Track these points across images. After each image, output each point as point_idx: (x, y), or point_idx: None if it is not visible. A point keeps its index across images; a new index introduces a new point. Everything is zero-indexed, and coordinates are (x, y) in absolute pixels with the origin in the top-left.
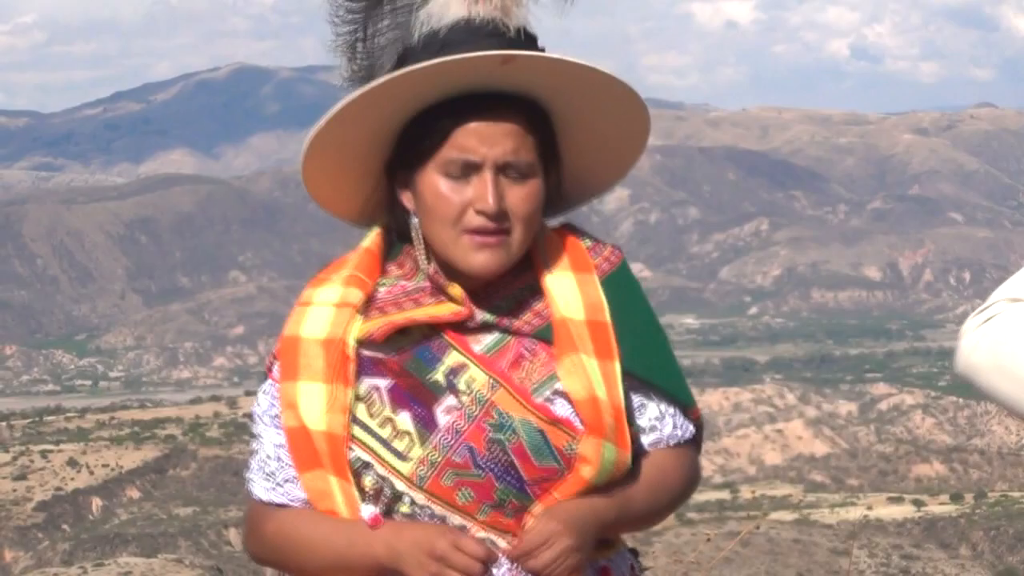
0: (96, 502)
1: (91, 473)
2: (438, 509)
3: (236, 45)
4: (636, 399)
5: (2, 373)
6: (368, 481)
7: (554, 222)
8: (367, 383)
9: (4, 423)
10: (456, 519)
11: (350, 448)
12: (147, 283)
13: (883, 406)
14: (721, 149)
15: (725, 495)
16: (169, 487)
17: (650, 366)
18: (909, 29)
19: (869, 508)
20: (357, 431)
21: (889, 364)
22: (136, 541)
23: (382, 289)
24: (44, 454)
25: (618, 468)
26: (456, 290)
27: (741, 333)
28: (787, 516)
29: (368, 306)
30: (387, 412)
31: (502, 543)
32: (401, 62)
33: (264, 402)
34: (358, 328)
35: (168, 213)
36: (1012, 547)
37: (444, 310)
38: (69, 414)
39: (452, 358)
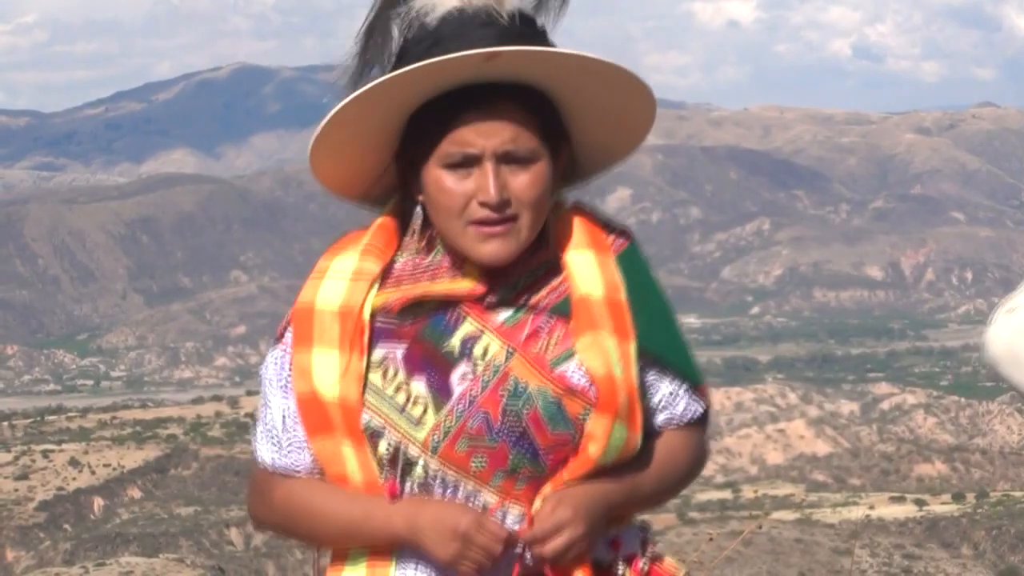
0: (98, 502)
1: (93, 473)
2: (451, 476)
3: (237, 45)
4: (649, 376)
5: (4, 373)
6: (382, 447)
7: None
8: (381, 350)
9: (6, 423)
10: (469, 486)
11: (364, 414)
12: (148, 283)
13: (885, 406)
14: (723, 148)
15: (727, 495)
16: (171, 487)
17: (663, 343)
18: (911, 28)
19: (871, 508)
20: (371, 397)
21: (891, 364)
22: (137, 541)
23: (399, 262)
24: (46, 454)
25: (627, 449)
26: (472, 270)
27: (743, 333)
28: (789, 516)
29: (385, 277)
30: (401, 378)
31: (514, 514)
32: (400, 57)
33: (273, 368)
34: (373, 298)
35: (169, 213)
36: (1014, 546)
37: (461, 286)
38: (71, 414)
39: (467, 327)
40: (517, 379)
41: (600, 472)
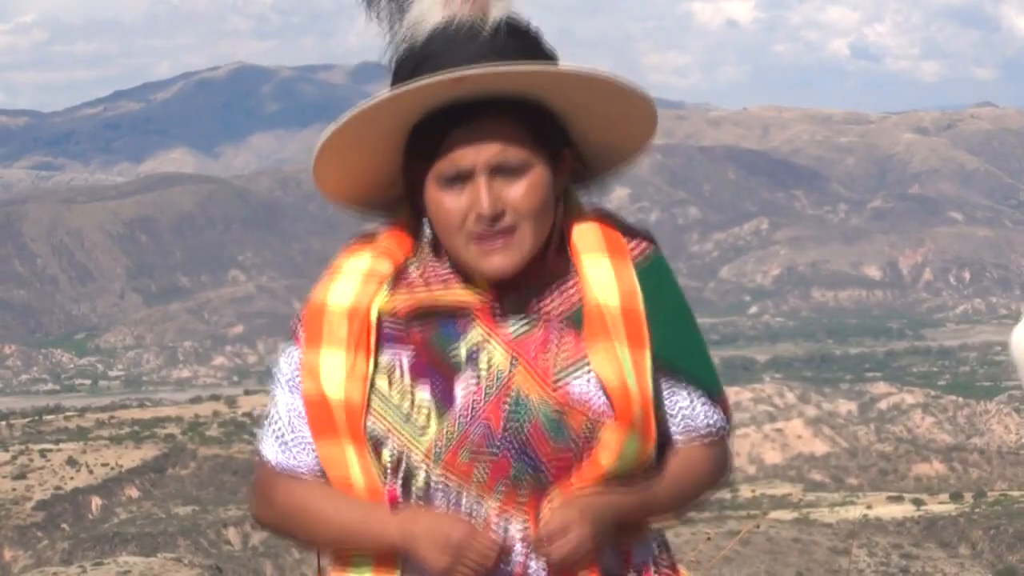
0: (95, 501)
1: (90, 472)
2: (454, 485)
3: (236, 44)
4: (666, 386)
5: (2, 372)
6: (386, 454)
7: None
8: (389, 354)
9: (4, 422)
10: (472, 495)
11: (368, 419)
12: (147, 282)
13: (883, 405)
14: (721, 148)
15: (725, 494)
16: (168, 486)
17: (680, 353)
18: (910, 28)
19: (869, 507)
20: (376, 402)
21: (889, 363)
22: (135, 540)
23: (413, 267)
24: (43, 453)
25: (639, 460)
26: (482, 283)
27: (741, 332)
28: (787, 515)
29: (397, 281)
30: (407, 385)
31: (517, 524)
32: (396, 73)
33: (284, 366)
34: (383, 300)
35: (168, 212)
36: (1012, 546)
37: (471, 295)
38: (68, 413)
39: (475, 335)
40: (519, 390)
41: (611, 481)
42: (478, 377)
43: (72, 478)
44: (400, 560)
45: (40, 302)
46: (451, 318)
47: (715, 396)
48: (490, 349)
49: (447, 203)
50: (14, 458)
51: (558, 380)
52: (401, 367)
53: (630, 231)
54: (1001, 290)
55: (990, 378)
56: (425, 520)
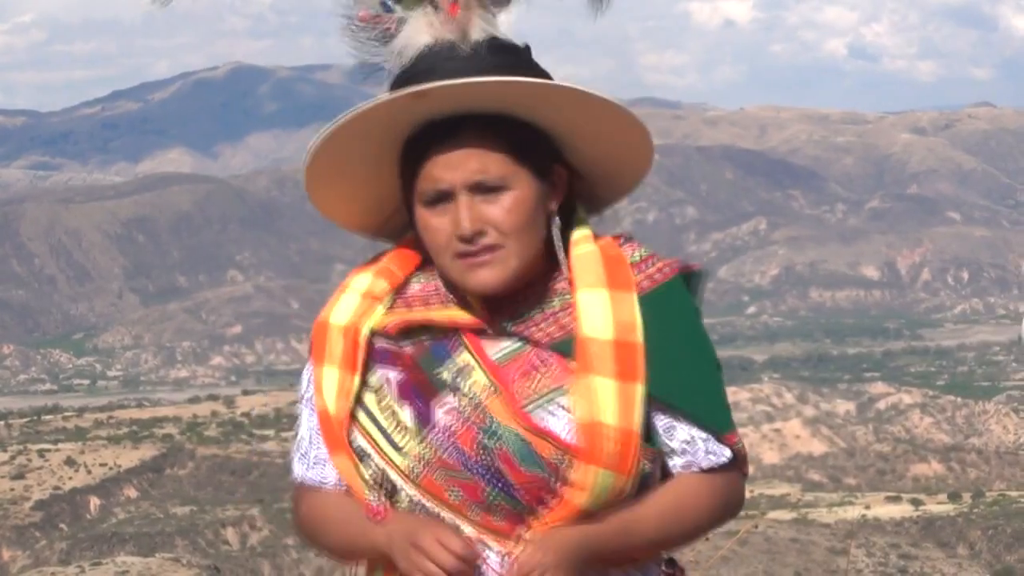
0: (94, 501)
1: (89, 472)
2: (431, 505)
3: (234, 44)
4: (664, 420)
5: (0, 372)
6: (366, 471)
7: (600, 227)
8: (380, 373)
9: (2, 422)
10: (448, 516)
11: (353, 435)
12: (145, 282)
13: (881, 405)
14: (719, 148)
15: None
16: (166, 486)
17: (677, 391)
18: (907, 28)
19: (867, 507)
20: (364, 419)
21: (887, 363)
22: (133, 540)
23: (416, 284)
24: (42, 453)
25: (614, 494)
26: (476, 299)
27: (739, 332)
28: (785, 515)
29: (396, 298)
30: (393, 404)
31: (495, 547)
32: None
33: (303, 383)
34: (376, 318)
35: (166, 212)
36: (1010, 546)
37: (463, 314)
38: (67, 413)
39: (462, 358)
40: (492, 416)
41: (587, 515)
42: (459, 400)
43: (70, 478)
44: None
45: (38, 302)
46: (443, 338)
47: (721, 435)
48: (474, 372)
49: (431, 223)
50: (12, 458)
51: (530, 407)
52: (390, 386)
53: (648, 259)
54: (999, 290)
55: (988, 378)
56: (402, 523)
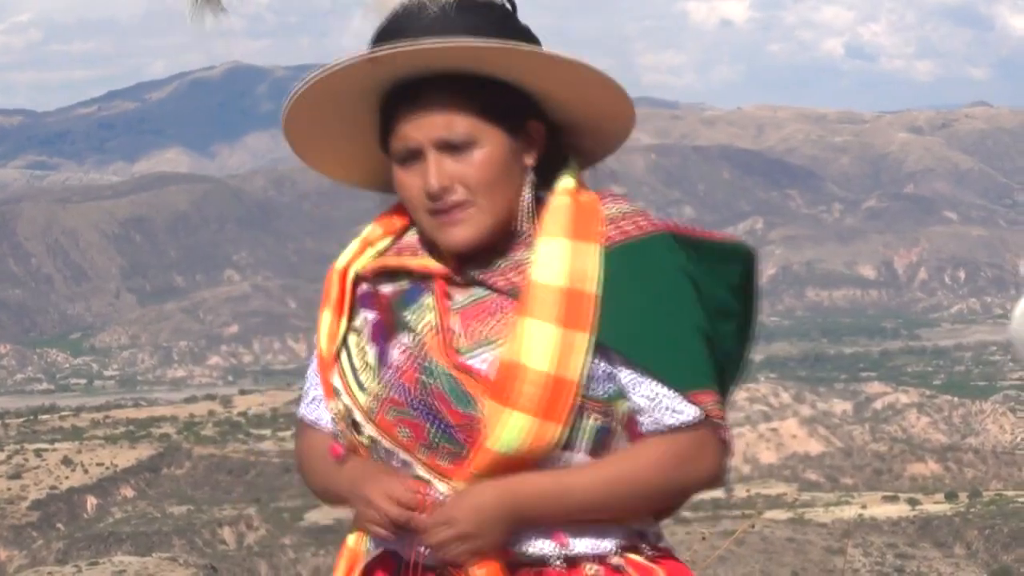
0: (91, 501)
1: (86, 472)
2: (387, 443)
3: (231, 44)
4: (629, 375)
5: None
6: (332, 407)
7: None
8: (362, 315)
9: None
10: (402, 455)
11: (333, 374)
12: (142, 282)
13: (878, 405)
14: (716, 148)
15: (720, 494)
16: (163, 486)
17: (639, 344)
18: (904, 28)
19: (864, 507)
20: (343, 359)
21: (884, 363)
22: (130, 540)
23: (412, 234)
24: (39, 453)
25: (536, 443)
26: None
27: None
28: (782, 515)
29: (392, 246)
30: (365, 344)
31: (442, 487)
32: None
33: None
34: (363, 263)
35: (163, 212)
36: (1007, 546)
37: (434, 261)
38: (64, 413)
39: (426, 302)
40: (430, 355)
41: (514, 465)
42: (410, 339)
43: (67, 477)
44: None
45: (35, 302)
46: (420, 283)
47: (687, 392)
48: (427, 313)
49: (404, 180)
50: (9, 457)
51: (478, 350)
52: (368, 327)
53: (628, 215)
54: (996, 290)
55: (985, 378)
56: (360, 472)
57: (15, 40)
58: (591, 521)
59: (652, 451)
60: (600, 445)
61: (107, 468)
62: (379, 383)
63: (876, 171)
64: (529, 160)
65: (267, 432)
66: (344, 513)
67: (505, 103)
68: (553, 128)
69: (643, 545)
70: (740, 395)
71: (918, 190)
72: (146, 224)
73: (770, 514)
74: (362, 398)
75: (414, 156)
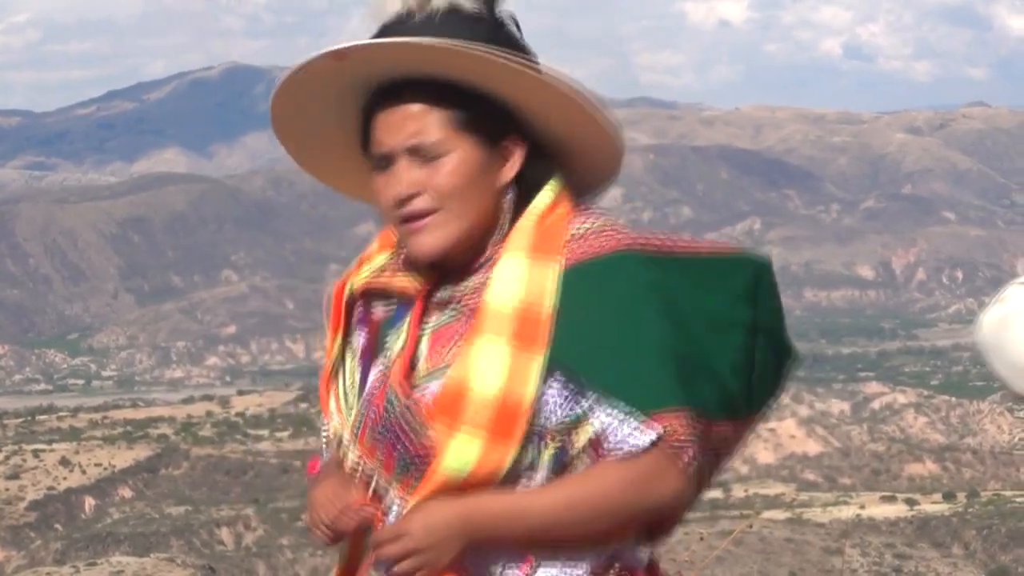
0: (89, 501)
1: (83, 472)
2: (368, 466)
3: (230, 44)
4: (587, 396)
5: None
6: (327, 429)
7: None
8: (358, 334)
9: None
10: (382, 477)
11: (330, 395)
12: (140, 282)
13: (876, 405)
14: (714, 148)
15: (718, 494)
16: (161, 486)
17: (594, 365)
18: (903, 28)
19: (862, 507)
20: (340, 380)
21: (882, 363)
22: (128, 540)
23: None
24: (36, 453)
25: (486, 465)
26: (425, 270)
27: None
28: (780, 515)
29: (389, 263)
30: (356, 365)
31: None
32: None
33: None
34: (356, 281)
35: (161, 212)
36: (1005, 546)
37: (410, 281)
38: (61, 413)
39: (404, 324)
40: (391, 383)
41: (467, 488)
42: (383, 363)
43: (65, 478)
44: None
45: (33, 302)
46: (404, 305)
47: (644, 414)
48: (400, 339)
49: (378, 186)
50: (7, 458)
51: (436, 373)
52: (361, 347)
53: (594, 232)
54: (994, 290)
55: (983, 378)
56: (317, 481)
57: (13, 40)
58: (565, 546)
59: (612, 473)
60: (561, 467)
61: (105, 469)
62: (359, 405)
63: (874, 171)
64: (505, 177)
65: (265, 432)
66: None
67: (481, 115)
68: (542, 149)
69: (612, 570)
70: None
71: (916, 190)
72: (144, 224)
73: (768, 514)
74: (349, 420)
75: (388, 162)
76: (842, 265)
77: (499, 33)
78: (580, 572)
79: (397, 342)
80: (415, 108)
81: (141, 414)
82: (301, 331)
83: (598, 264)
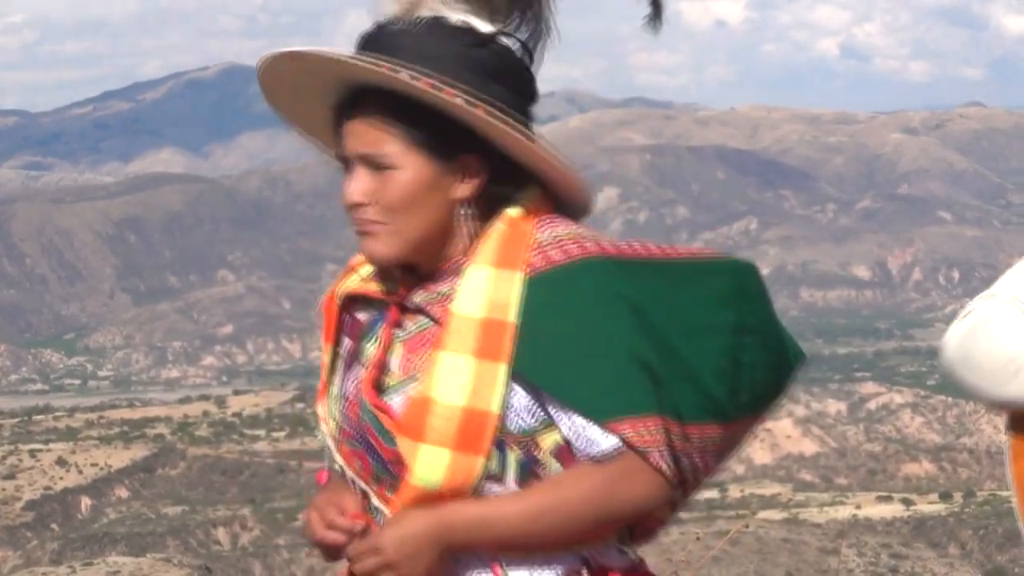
0: (85, 501)
1: (80, 472)
2: (350, 473)
3: (226, 44)
4: (551, 405)
5: None
6: (318, 437)
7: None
8: (345, 343)
9: None
10: (361, 485)
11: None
12: (136, 282)
13: (872, 405)
14: (710, 148)
15: (714, 494)
16: (158, 486)
17: (555, 374)
18: (899, 28)
19: (858, 507)
20: (330, 387)
21: (878, 363)
22: (125, 540)
23: None
24: (33, 453)
25: (456, 476)
26: (397, 273)
27: None
28: (776, 515)
29: (373, 271)
30: (340, 373)
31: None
32: None
33: None
34: (342, 289)
35: (157, 212)
36: (1001, 546)
37: (383, 288)
38: (58, 413)
39: (379, 333)
40: (362, 391)
41: (438, 497)
42: (357, 372)
43: (61, 478)
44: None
45: (29, 302)
46: (382, 313)
47: (603, 422)
48: (373, 348)
49: (342, 188)
50: (3, 458)
51: (406, 383)
52: (345, 355)
53: (559, 242)
54: None
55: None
56: (316, 494)
57: (9, 40)
58: (537, 550)
59: (581, 479)
60: (529, 475)
61: (101, 468)
62: (340, 414)
63: (870, 171)
64: (461, 192)
65: (261, 433)
66: None
67: (436, 130)
68: (509, 162)
69: (584, 571)
70: None
71: (912, 190)
72: (140, 224)
73: (764, 514)
74: (333, 427)
75: (347, 163)
76: (838, 265)
77: (477, 51)
78: (552, 575)
79: (371, 350)
80: (374, 119)
81: (137, 414)
82: (297, 331)
83: (561, 272)
